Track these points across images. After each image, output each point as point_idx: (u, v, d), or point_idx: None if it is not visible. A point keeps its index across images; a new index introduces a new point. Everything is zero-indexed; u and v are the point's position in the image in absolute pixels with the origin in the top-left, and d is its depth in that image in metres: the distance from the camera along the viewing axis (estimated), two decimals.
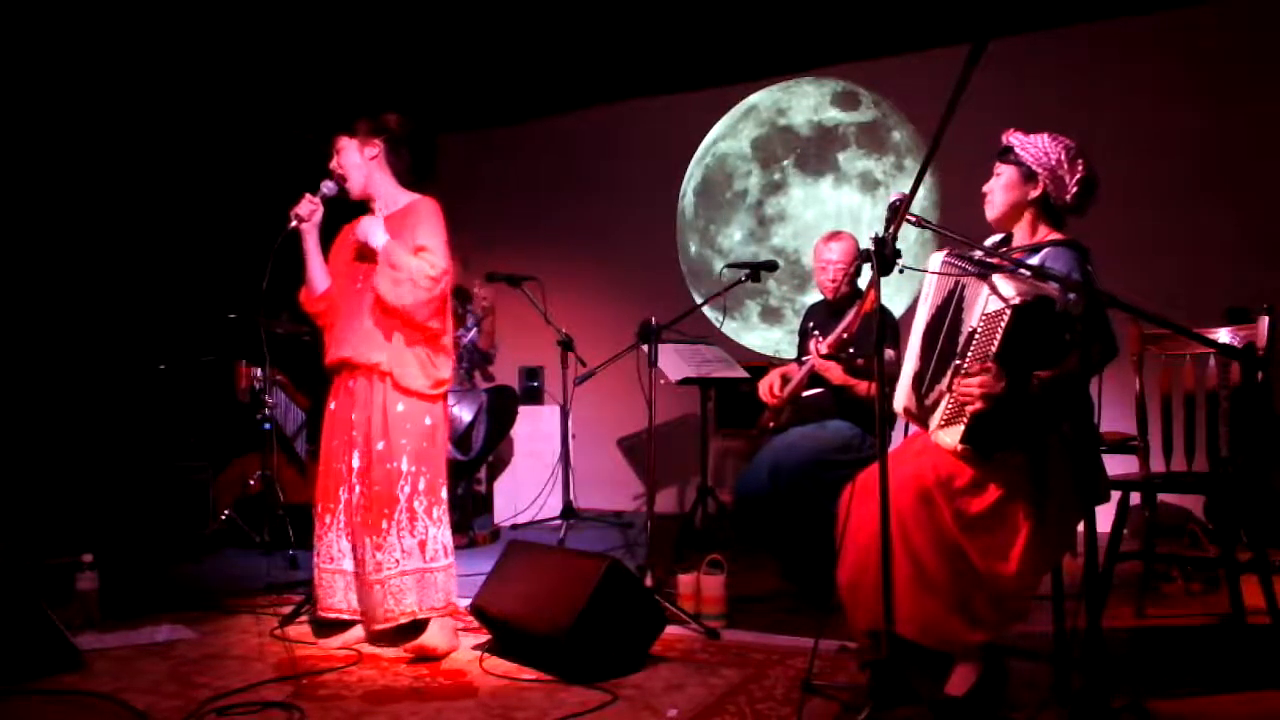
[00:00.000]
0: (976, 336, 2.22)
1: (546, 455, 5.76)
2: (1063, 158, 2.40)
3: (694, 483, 5.58)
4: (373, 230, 2.92)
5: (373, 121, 3.04)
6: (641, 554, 4.14)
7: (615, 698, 2.44)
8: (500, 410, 5.32)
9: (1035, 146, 2.42)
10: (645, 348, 3.57)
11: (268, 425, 4.68)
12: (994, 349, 2.17)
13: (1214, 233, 4.97)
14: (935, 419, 2.32)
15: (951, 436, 2.25)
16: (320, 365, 3.09)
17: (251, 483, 4.79)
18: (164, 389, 5.10)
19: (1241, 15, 5.01)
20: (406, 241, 2.92)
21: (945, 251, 2.44)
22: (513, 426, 5.62)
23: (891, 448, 2.27)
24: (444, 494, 2.97)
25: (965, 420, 2.21)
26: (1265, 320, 2.87)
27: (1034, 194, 2.43)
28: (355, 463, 2.93)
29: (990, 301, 2.21)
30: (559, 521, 5.13)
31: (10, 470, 4.70)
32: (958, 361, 2.27)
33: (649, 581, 3.18)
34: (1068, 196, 2.41)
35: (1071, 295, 2.24)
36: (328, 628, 3.02)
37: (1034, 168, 2.41)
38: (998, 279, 2.21)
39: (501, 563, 3.08)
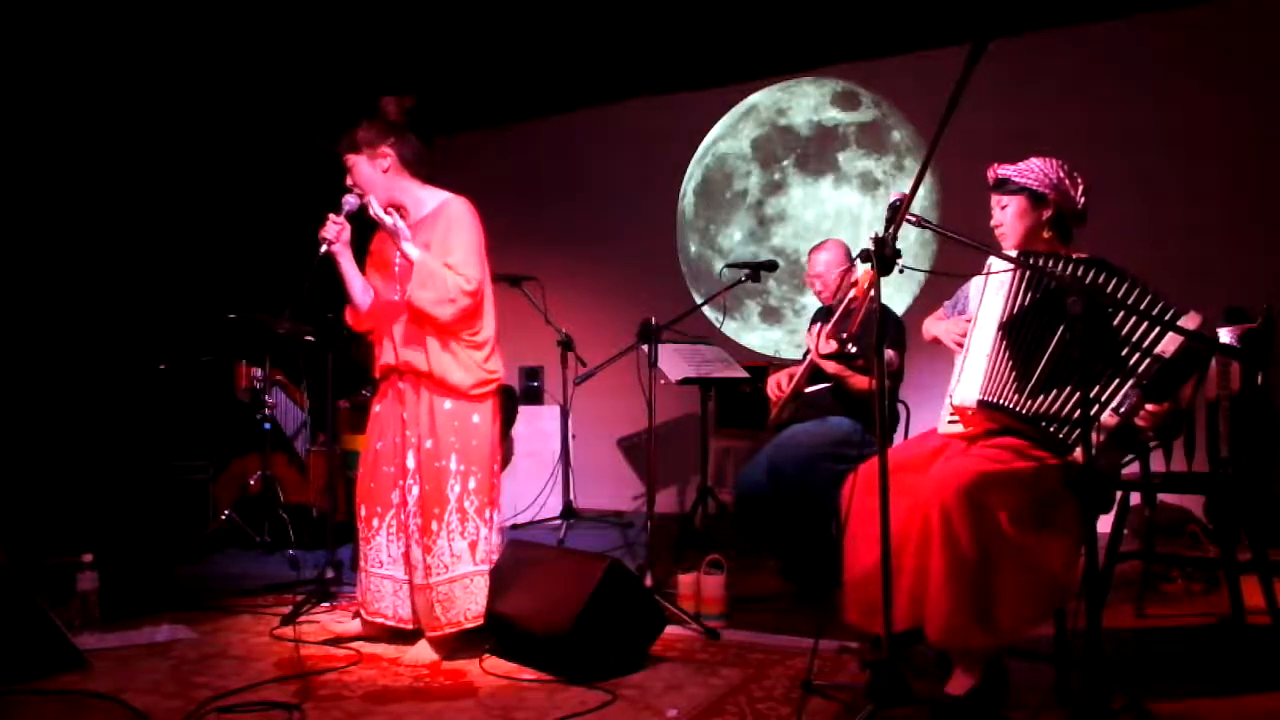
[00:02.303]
0: (1165, 364, 2.21)
1: (546, 455, 5.76)
2: (1061, 174, 2.41)
3: (694, 483, 5.59)
4: (404, 241, 2.81)
5: (373, 125, 2.89)
6: (641, 554, 4.13)
7: (615, 698, 2.44)
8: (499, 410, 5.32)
9: (1034, 170, 2.41)
10: (645, 348, 3.57)
11: (268, 425, 4.69)
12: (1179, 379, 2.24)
13: (1213, 232, 4.97)
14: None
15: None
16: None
17: (251, 483, 4.80)
18: (164, 389, 5.10)
19: (1242, 14, 5.01)
20: (437, 248, 2.81)
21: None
22: (513, 426, 5.62)
23: (891, 448, 2.25)
24: (497, 496, 2.92)
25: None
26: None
27: (1048, 214, 2.42)
28: (410, 463, 2.86)
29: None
30: (559, 521, 5.14)
31: (10, 470, 4.70)
32: (1125, 384, 2.22)
33: (649, 581, 3.17)
34: (1078, 207, 2.42)
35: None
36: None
37: (1041, 189, 2.40)
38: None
39: (501, 563, 3.08)
